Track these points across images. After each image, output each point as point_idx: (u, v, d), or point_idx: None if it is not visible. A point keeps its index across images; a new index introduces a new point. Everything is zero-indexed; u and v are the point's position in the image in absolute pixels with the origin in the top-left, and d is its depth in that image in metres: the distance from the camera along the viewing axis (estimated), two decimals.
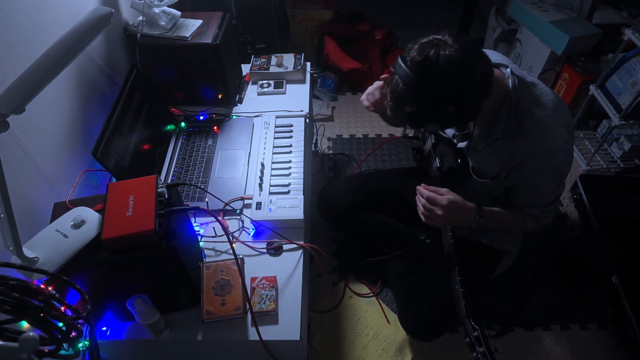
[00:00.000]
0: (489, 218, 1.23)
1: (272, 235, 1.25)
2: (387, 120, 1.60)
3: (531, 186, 1.18)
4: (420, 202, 1.21)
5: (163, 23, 1.45)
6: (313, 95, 2.44)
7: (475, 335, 1.06)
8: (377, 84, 1.32)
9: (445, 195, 1.17)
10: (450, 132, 1.32)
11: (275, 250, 1.23)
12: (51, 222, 1.01)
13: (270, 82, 1.70)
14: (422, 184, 1.23)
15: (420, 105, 0.99)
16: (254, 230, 1.26)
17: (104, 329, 1.08)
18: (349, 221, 1.58)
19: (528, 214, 1.24)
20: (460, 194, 1.21)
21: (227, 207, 1.30)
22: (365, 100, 1.35)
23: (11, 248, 0.84)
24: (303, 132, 1.51)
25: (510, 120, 1.10)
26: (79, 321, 0.80)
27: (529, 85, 1.13)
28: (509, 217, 1.26)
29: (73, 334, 0.78)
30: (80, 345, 0.82)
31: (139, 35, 1.46)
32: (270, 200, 1.29)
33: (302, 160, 1.42)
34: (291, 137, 1.49)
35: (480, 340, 1.05)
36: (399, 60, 0.99)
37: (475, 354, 1.05)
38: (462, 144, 1.26)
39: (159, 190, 0.96)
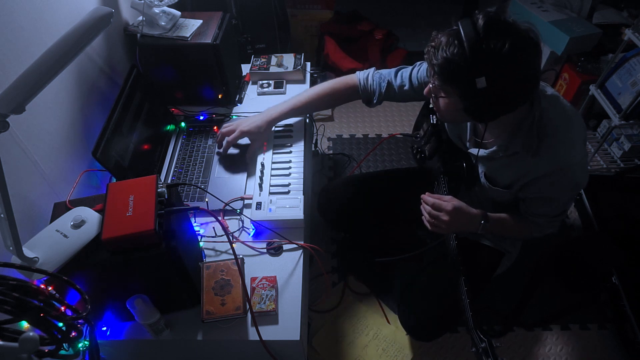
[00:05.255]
0: (495, 224, 1.22)
1: (272, 235, 1.25)
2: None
3: (545, 199, 1.17)
4: (425, 209, 1.21)
5: (163, 23, 1.45)
6: None
7: (483, 347, 1.05)
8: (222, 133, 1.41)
9: (450, 202, 1.17)
10: (466, 137, 1.31)
11: (275, 250, 1.23)
12: (51, 222, 1.01)
13: (270, 82, 1.70)
14: (427, 192, 1.22)
15: (465, 63, 0.96)
16: (254, 230, 1.26)
17: (104, 329, 1.08)
18: (348, 221, 1.58)
19: (534, 223, 1.24)
20: (463, 198, 1.21)
21: (227, 207, 1.30)
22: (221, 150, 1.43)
23: (11, 248, 0.84)
24: (303, 132, 1.51)
25: (532, 135, 1.08)
26: (79, 321, 0.81)
27: (549, 98, 1.11)
28: (514, 223, 1.25)
29: (73, 334, 0.78)
30: (80, 345, 0.82)
31: (139, 35, 1.46)
32: (270, 200, 1.29)
33: (302, 160, 1.41)
34: (291, 137, 1.49)
35: (488, 352, 1.03)
36: (467, 19, 1.01)
37: None
38: (475, 150, 1.23)
39: (159, 190, 0.96)
